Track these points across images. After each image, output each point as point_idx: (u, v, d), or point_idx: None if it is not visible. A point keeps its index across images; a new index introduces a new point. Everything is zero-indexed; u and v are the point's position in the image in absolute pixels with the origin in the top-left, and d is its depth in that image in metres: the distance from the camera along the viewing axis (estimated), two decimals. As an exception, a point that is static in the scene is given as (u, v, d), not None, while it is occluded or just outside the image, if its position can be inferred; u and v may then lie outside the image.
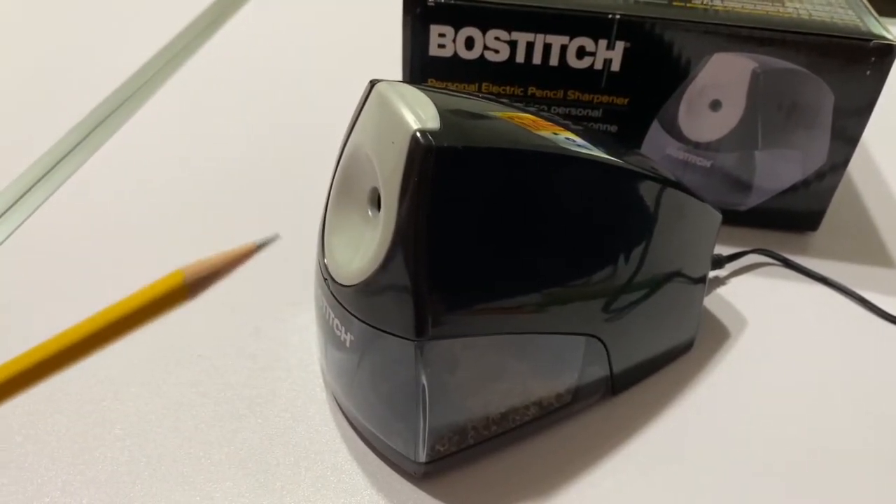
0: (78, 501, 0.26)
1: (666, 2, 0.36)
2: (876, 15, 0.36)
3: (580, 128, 0.28)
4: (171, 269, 0.38)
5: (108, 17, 0.60)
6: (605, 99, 0.37)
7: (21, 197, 0.41)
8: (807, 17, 0.35)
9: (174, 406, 0.30)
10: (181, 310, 0.34)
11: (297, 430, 0.29)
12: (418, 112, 0.23)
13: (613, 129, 0.38)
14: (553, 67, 0.36)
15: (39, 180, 0.42)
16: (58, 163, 0.44)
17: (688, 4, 0.36)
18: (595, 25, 0.35)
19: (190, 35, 0.57)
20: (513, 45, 0.36)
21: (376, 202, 0.25)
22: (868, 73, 0.35)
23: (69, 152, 0.44)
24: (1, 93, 0.50)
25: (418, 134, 0.22)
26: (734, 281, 0.38)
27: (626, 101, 0.37)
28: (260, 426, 0.29)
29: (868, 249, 0.40)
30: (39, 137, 0.45)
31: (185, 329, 0.33)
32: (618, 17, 0.35)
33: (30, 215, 0.39)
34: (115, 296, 0.34)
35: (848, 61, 0.34)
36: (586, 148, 0.26)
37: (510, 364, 0.27)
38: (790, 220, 0.40)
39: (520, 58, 0.36)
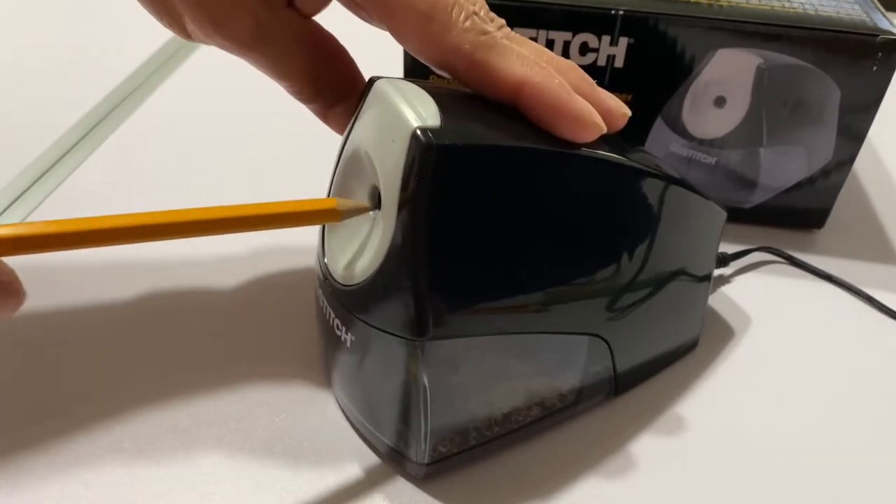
0: (79, 501, 0.26)
1: (670, -3, 0.35)
2: (882, 10, 0.36)
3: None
4: (174, 267, 0.38)
5: (108, 16, 0.60)
6: (608, 96, 0.37)
7: (22, 194, 0.41)
8: (812, 13, 0.35)
9: (173, 407, 0.30)
10: (179, 311, 0.34)
11: (297, 432, 0.29)
12: (418, 109, 0.22)
13: (617, 126, 0.38)
14: (556, 64, 0.36)
15: (41, 177, 0.42)
16: (60, 160, 0.43)
17: (692, 0, 0.35)
18: (598, 21, 0.35)
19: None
20: (515, 41, 0.36)
21: (376, 201, 0.25)
22: (874, 68, 0.34)
23: (71, 149, 0.44)
24: (3, 90, 0.50)
25: (418, 132, 0.22)
26: (739, 279, 0.37)
27: (630, 97, 0.37)
28: (260, 427, 0.29)
29: (874, 247, 0.40)
30: (41, 134, 0.45)
31: (184, 329, 0.33)
32: (621, 12, 0.34)
33: (32, 212, 0.39)
34: (117, 295, 0.34)
35: (854, 57, 0.34)
36: (589, 145, 0.25)
37: (512, 364, 0.27)
38: (795, 217, 0.40)
39: (522, 54, 0.36)
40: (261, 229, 0.23)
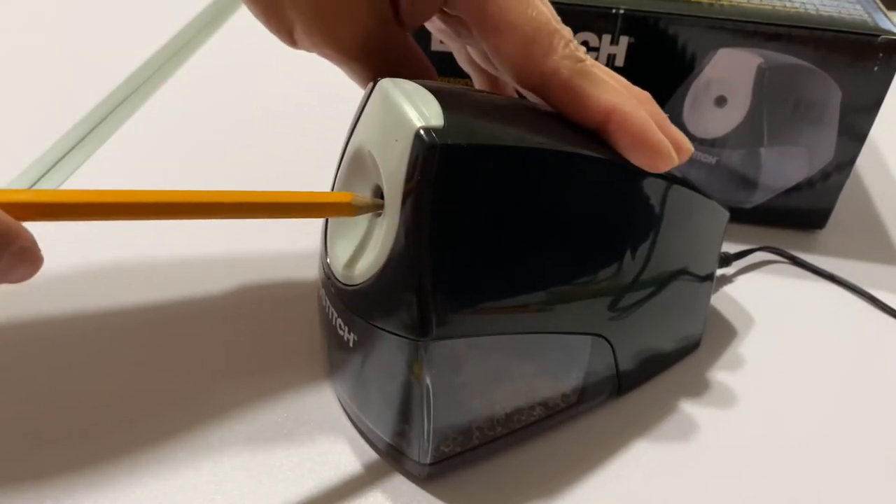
0: (79, 502, 0.26)
1: (671, -3, 0.35)
2: (884, 10, 0.36)
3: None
4: (176, 269, 0.38)
5: (108, 14, 0.60)
6: (609, 96, 0.37)
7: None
8: (814, 13, 0.35)
9: (174, 407, 0.30)
10: (179, 313, 0.34)
11: (299, 431, 0.29)
12: (422, 109, 0.22)
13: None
14: (557, 64, 0.36)
15: (45, 175, 0.42)
16: (62, 158, 0.43)
17: None
18: (599, 20, 0.35)
19: (191, 32, 0.57)
20: (516, 41, 0.36)
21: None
22: (876, 68, 0.34)
23: (73, 148, 0.44)
24: (5, 89, 0.50)
25: (422, 131, 0.22)
26: (741, 279, 0.37)
27: (631, 97, 0.37)
28: (262, 427, 0.29)
29: (876, 247, 0.40)
30: (43, 133, 0.45)
31: (186, 330, 0.33)
32: (622, 11, 0.34)
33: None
34: (119, 295, 0.34)
35: (855, 57, 0.34)
36: (592, 145, 0.25)
37: (515, 364, 0.27)
38: (797, 217, 0.40)
39: (523, 54, 0.36)
40: (276, 217, 0.24)
